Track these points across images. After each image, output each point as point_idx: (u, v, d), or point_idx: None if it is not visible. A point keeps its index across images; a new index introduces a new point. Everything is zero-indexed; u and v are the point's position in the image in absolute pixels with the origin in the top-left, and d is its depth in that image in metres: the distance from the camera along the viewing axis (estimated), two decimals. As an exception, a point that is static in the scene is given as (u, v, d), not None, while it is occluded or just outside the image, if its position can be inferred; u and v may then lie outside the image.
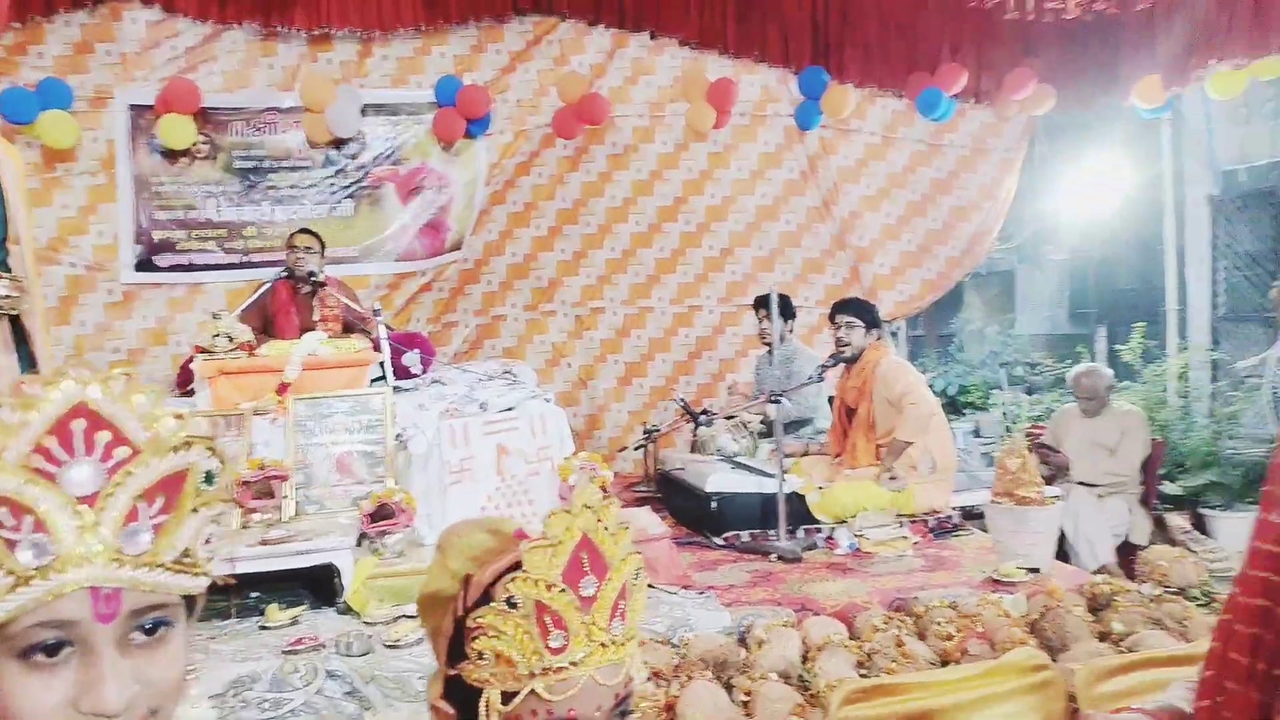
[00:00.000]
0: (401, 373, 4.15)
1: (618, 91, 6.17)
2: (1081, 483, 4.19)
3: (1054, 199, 7.14)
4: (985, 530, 3.63)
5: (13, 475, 0.74)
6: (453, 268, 6.42)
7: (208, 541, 0.84)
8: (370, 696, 2.44)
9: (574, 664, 0.88)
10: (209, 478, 0.84)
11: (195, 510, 0.83)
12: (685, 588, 3.13)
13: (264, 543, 2.98)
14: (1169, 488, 4.83)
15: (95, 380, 0.79)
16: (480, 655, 0.90)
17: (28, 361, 3.13)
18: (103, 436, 0.78)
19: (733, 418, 4.98)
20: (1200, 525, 4.74)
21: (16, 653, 0.74)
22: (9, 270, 3.16)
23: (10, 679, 0.74)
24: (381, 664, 2.53)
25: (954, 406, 7.36)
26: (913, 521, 3.86)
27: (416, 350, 4.33)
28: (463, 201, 6.22)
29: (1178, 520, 4.48)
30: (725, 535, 3.92)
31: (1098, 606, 2.76)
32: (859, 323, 4.45)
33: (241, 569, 2.80)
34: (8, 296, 3.06)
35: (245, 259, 5.77)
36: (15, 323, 3.16)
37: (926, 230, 6.49)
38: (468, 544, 1.00)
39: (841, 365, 4.53)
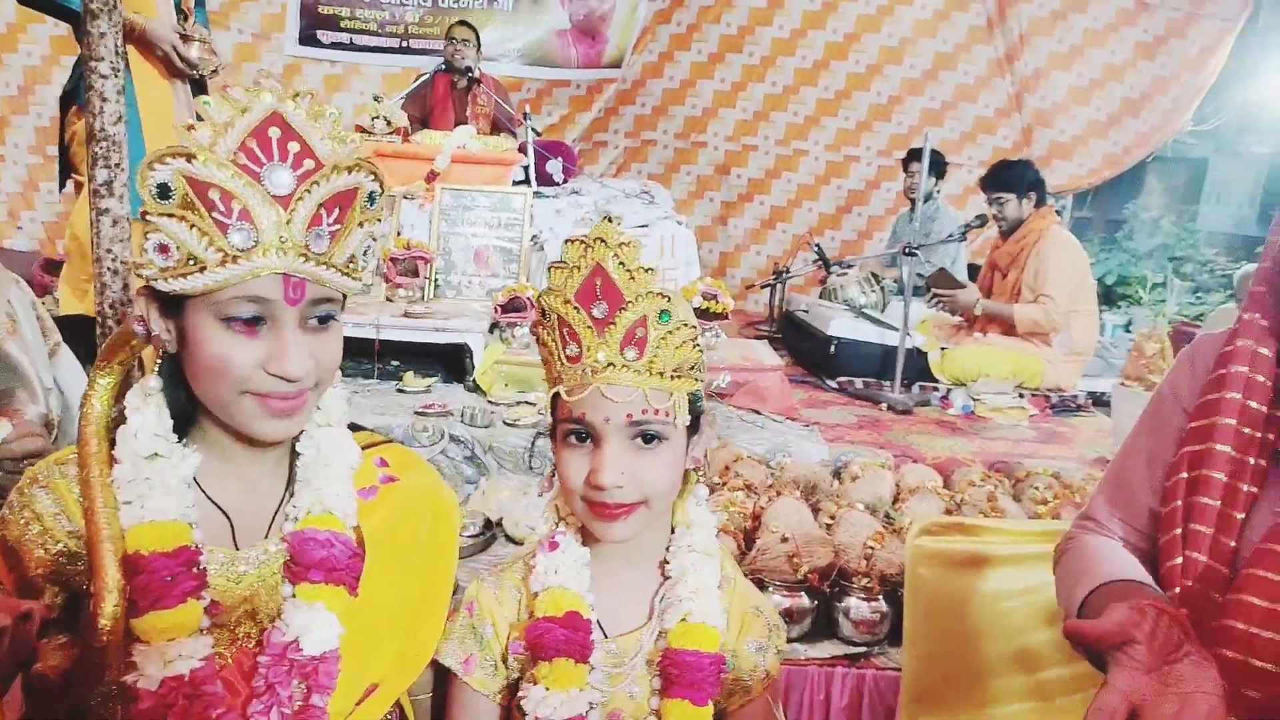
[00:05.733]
0: (543, 179, 4.25)
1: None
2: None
3: (1268, 81, 6.37)
4: (1109, 415, 3.52)
5: (225, 166, 0.87)
6: (611, 88, 6.37)
7: (366, 253, 0.98)
8: (487, 464, 2.67)
9: (584, 374, 1.01)
10: (371, 198, 0.97)
11: (361, 225, 0.96)
12: (791, 419, 3.20)
13: (407, 315, 3.22)
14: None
15: (288, 96, 0.90)
16: (544, 361, 1.07)
17: None
18: (293, 146, 0.90)
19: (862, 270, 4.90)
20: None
21: (221, 317, 0.91)
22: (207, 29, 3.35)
23: (215, 338, 0.91)
24: (500, 438, 2.73)
25: (1109, 297, 6.95)
26: (1034, 395, 3.79)
27: (560, 159, 4.41)
28: (625, 10, 6.07)
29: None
30: (839, 379, 3.95)
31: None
32: (1009, 196, 4.15)
33: (385, 336, 3.05)
34: (201, 59, 3.25)
35: (404, 44, 5.87)
36: (199, 85, 3.38)
37: (1122, 98, 5.94)
38: None
39: (991, 227, 4.33)
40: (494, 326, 3.38)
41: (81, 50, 1.37)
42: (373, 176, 0.95)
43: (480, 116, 4.74)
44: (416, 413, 2.84)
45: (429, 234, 3.66)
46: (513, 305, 3.38)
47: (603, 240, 1.00)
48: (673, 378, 1.02)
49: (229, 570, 0.99)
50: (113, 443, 0.97)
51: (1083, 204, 7.48)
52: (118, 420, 0.98)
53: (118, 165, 1.38)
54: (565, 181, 4.38)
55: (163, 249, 0.88)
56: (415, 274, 3.51)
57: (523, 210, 3.75)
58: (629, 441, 1.02)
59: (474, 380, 3.17)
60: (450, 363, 3.29)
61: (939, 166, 4.94)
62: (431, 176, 3.85)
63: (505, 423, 2.85)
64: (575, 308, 1.00)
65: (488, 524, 2.36)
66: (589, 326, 1.00)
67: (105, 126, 1.36)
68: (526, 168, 4.16)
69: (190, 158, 0.86)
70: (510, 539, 2.37)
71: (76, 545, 0.96)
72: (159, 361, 0.98)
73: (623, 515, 1.04)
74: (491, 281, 3.65)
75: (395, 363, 3.27)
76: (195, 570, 0.95)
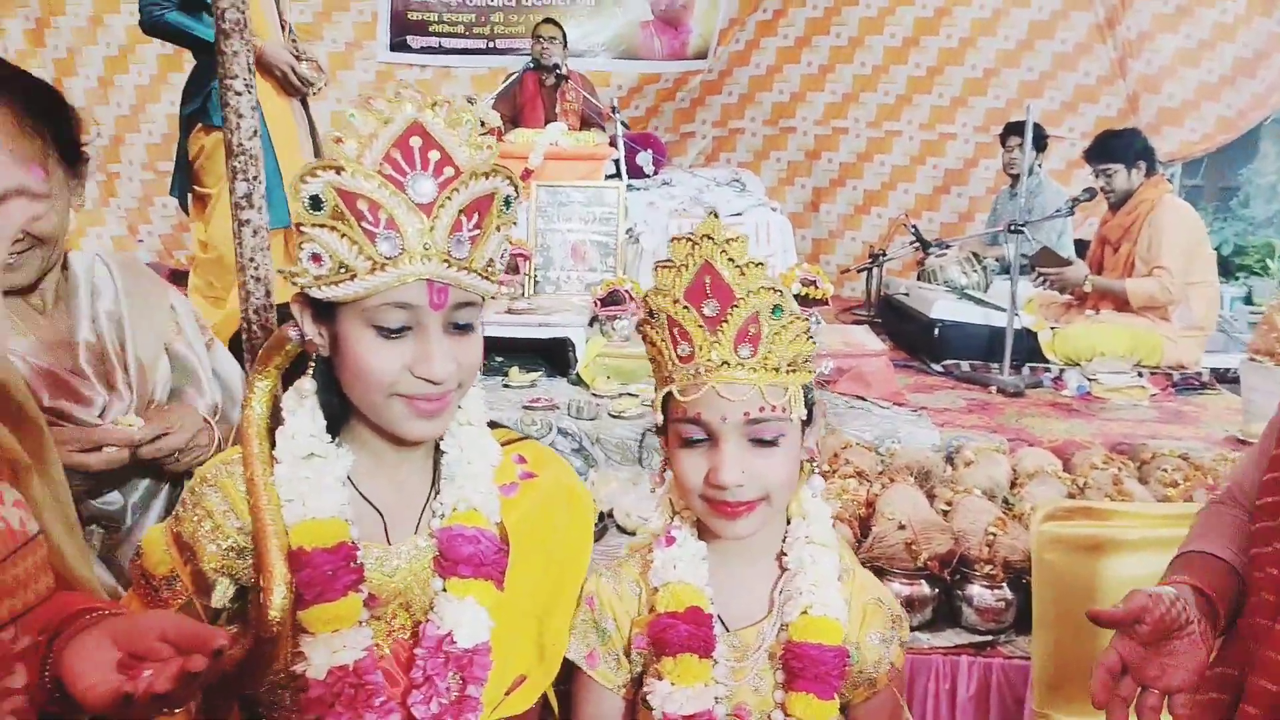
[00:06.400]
0: (634, 171, 4.26)
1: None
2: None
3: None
4: (1237, 393, 3.35)
5: (371, 177, 0.90)
6: (696, 79, 6.34)
7: (503, 256, 1.01)
8: (595, 456, 2.71)
9: (697, 374, 1.00)
10: (508, 202, 0.98)
11: (498, 229, 0.98)
12: (898, 405, 3.14)
13: (510, 311, 3.28)
14: None
15: (426, 105, 0.92)
16: (652, 361, 1.08)
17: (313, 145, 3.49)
18: (434, 155, 0.92)
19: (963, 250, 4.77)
20: None
21: (370, 323, 0.94)
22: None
23: (365, 343, 0.95)
24: (607, 430, 2.76)
25: (1226, 268, 6.60)
26: (1154, 373, 3.63)
27: (649, 150, 4.42)
28: (707, 2, 6.04)
29: None
30: (945, 363, 3.86)
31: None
32: (1116, 166, 3.97)
33: (490, 332, 3.10)
34: (314, 77, 3.38)
35: (491, 44, 5.94)
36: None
37: (1234, 58, 5.61)
38: None
39: (1099, 201, 4.16)
40: (594, 320, 3.42)
41: (217, 69, 1.44)
42: (508, 180, 0.97)
43: (569, 113, 4.78)
44: (524, 407, 2.89)
45: (527, 231, 3.71)
46: (612, 299, 3.41)
47: (710, 237, 1.00)
48: (788, 372, 1.02)
49: (383, 565, 1.03)
50: (274, 443, 1.01)
51: (1194, 172, 7.12)
52: (277, 421, 1.02)
53: (255, 178, 1.46)
54: (656, 173, 4.39)
55: (316, 258, 0.92)
56: (515, 271, 3.57)
57: (616, 204, 3.77)
58: (746, 439, 1.02)
59: (577, 374, 3.21)
60: (552, 357, 3.34)
61: (1040, 139, 4.77)
62: (526, 174, 3.91)
63: (610, 415, 2.87)
64: (685, 307, 1.00)
65: (599, 515, 2.39)
66: (700, 325, 1.00)
67: (242, 141, 1.43)
68: (617, 161, 4.18)
69: (339, 170, 0.89)
70: (621, 529, 2.39)
71: (244, 541, 1.01)
72: (311, 365, 1.02)
73: (744, 513, 1.04)
74: (589, 276, 3.68)
75: (499, 359, 3.33)
76: (354, 565, 0.99)
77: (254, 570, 1.00)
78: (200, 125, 3.18)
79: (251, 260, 1.48)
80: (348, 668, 0.96)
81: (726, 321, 0.99)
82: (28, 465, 0.94)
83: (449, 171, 0.92)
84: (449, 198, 0.92)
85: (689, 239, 1.01)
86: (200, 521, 1.02)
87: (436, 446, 1.08)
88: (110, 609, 0.90)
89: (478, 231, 0.94)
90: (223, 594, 1.03)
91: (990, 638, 2.08)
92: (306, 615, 0.97)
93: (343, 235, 0.91)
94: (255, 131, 1.45)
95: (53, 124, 1.29)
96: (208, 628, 0.84)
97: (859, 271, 5.16)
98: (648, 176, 4.33)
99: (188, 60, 3.39)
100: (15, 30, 5.52)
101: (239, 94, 1.43)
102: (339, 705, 0.96)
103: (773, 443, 1.03)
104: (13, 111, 1.23)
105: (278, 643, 0.96)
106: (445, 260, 0.92)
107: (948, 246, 4.70)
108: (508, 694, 1.07)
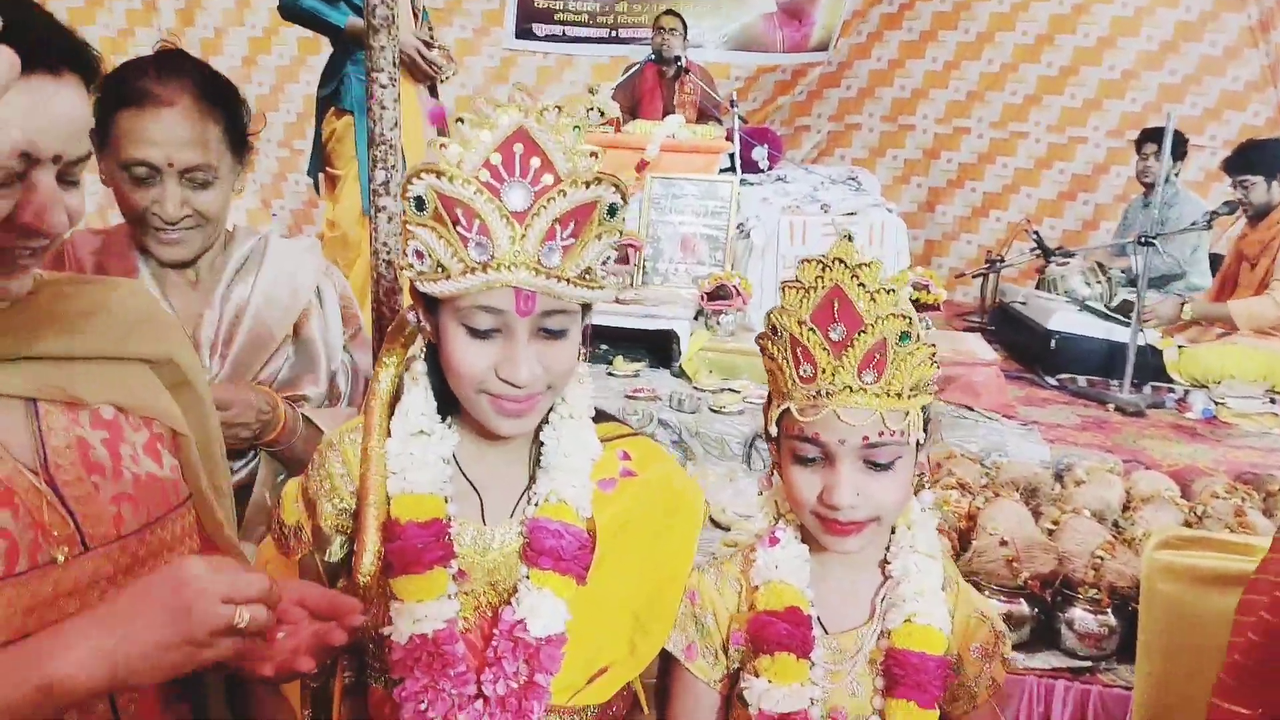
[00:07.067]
0: (749, 166, 4.25)
1: None
2: None
3: None
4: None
5: (468, 184, 0.93)
6: (815, 71, 6.26)
7: (605, 263, 1.01)
8: (694, 449, 2.73)
9: (818, 395, 1.00)
10: (612, 210, 0.99)
11: (599, 237, 0.98)
12: (1008, 417, 3.06)
13: (617, 301, 3.33)
14: None
15: (534, 111, 0.94)
16: (769, 373, 1.09)
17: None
18: (535, 162, 0.93)
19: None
20: None
21: (462, 322, 0.98)
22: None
23: (457, 340, 0.99)
24: (706, 424, 2.78)
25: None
26: (1288, 400, 3.43)
27: (765, 145, 4.40)
28: (832, -7, 5.96)
29: None
30: (1060, 376, 3.73)
31: None
32: (1256, 179, 3.78)
33: (596, 321, 3.16)
34: (443, 64, 3.49)
35: (613, 34, 5.99)
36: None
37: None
38: None
39: (1240, 216, 3.94)
40: (699, 314, 3.43)
41: (365, 61, 1.53)
42: (614, 189, 0.97)
43: (687, 105, 4.79)
44: (627, 396, 2.93)
45: (639, 222, 3.75)
46: (718, 293, 3.42)
47: (842, 261, 0.99)
48: (909, 396, 1.01)
49: (478, 543, 1.07)
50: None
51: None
52: (399, 397, 1.08)
53: (393, 167, 1.54)
54: (770, 168, 4.37)
55: (419, 254, 0.97)
56: (625, 261, 3.61)
57: (729, 198, 3.77)
58: (862, 461, 1.03)
59: (680, 366, 3.24)
60: (656, 348, 3.37)
61: (1179, 147, 4.54)
62: (641, 165, 3.94)
63: (711, 409, 2.89)
64: (811, 329, 1.00)
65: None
66: (824, 349, 1.00)
67: (384, 132, 1.52)
68: (732, 155, 4.17)
69: (440, 174, 0.93)
70: (716, 524, 2.41)
71: (355, 504, 1.08)
72: (424, 349, 1.07)
73: (854, 532, 1.05)
74: (697, 269, 3.69)
75: (604, 347, 3.37)
76: (444, 541, 1.03)
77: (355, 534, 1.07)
78: (333, 109, 3.32)
79: (385, 245, 1.56)
80: (427, 636, 1.01)
81: (852, 346, 0.99)
82: (187, 436, 1.03)
83: (548, 179, 0.93)
84: (544, 206, 0.93)
85: (820, 261, 1.01)
86: (322, 482, 1.10)
87: (537, 435, 1.10)
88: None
89: (572, 240, 0.95)
90: (338, 550, 1.10)
91: (1089, 664, 2.02)
92: (395, 583, 1.02)
93: (440, 236, 0.94)
94: (396, 123, 1.53)
95: (225, 111, 1.47)
96: (344, 598, 0.90)
97: (974, 277, 5.01)
98: (762, 171, 4.31)
99: (325, 44, 3.55)
100: (168, 10, 5.87)
101: (384, 87, 1.51)
102: (418, 670, 1.01)
103: (888, 466, 1.03)
104: (193, 97, 1.42)
105: (366, 603, 1.02)
106: (534, 269, 0.94)
107: (1071, 255, 4.53)
108: (590, 682, 1.09)
